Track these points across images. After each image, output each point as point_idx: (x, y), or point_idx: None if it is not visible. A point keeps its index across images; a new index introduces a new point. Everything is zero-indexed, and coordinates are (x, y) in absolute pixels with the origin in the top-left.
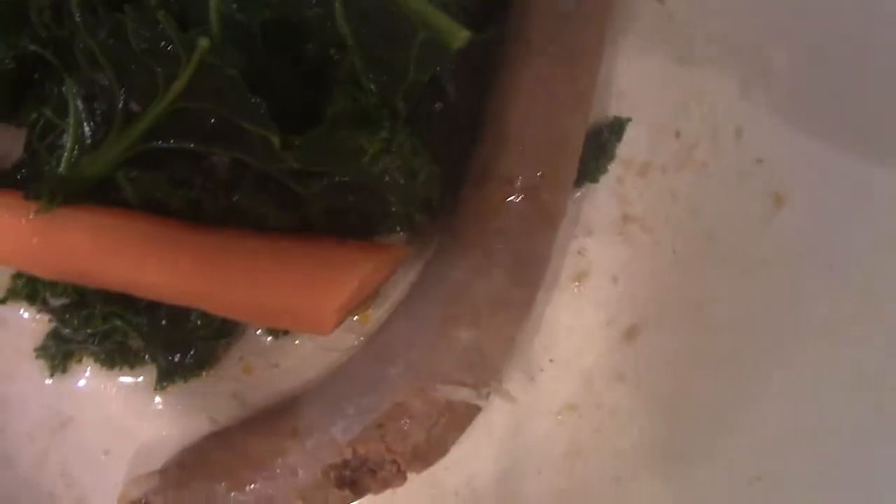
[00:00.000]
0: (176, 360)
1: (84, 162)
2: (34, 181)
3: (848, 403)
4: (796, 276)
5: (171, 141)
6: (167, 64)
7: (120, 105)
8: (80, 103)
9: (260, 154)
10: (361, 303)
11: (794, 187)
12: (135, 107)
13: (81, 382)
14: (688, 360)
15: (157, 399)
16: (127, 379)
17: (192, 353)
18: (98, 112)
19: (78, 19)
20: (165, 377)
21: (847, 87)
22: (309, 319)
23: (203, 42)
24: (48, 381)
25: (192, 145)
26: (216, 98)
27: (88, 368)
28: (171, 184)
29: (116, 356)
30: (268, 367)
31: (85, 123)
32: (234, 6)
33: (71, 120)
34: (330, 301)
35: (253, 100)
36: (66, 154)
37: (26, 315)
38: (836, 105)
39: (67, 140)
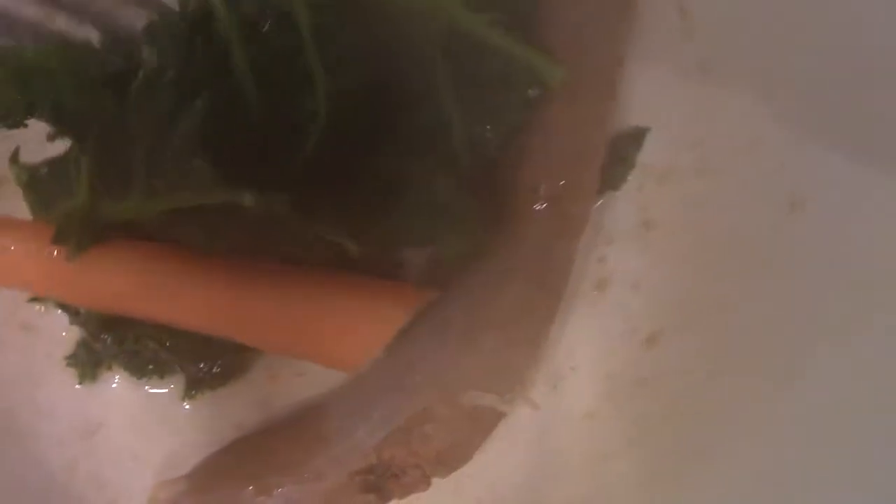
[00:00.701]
0: (203, 370)
1: (106, 206)
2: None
3: (871, 408)
4: (816, 280)
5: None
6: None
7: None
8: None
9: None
10: None
11: (812, 192)
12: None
13: (111, 389)
14: (709, 365)
15: (186, 406)
16: (158, 388)
17: (219, 363)
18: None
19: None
20: (193, 386)
21: (866, 94)
22: (340, 362)
23: (248, 200)
24: (77, 387)
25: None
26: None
27: (117, 376)
28: (206, 234)
29: (145, 367)
30: (294, 375)
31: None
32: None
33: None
34: (365, 349)
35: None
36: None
37: (57, 323)
38: (855, 111)
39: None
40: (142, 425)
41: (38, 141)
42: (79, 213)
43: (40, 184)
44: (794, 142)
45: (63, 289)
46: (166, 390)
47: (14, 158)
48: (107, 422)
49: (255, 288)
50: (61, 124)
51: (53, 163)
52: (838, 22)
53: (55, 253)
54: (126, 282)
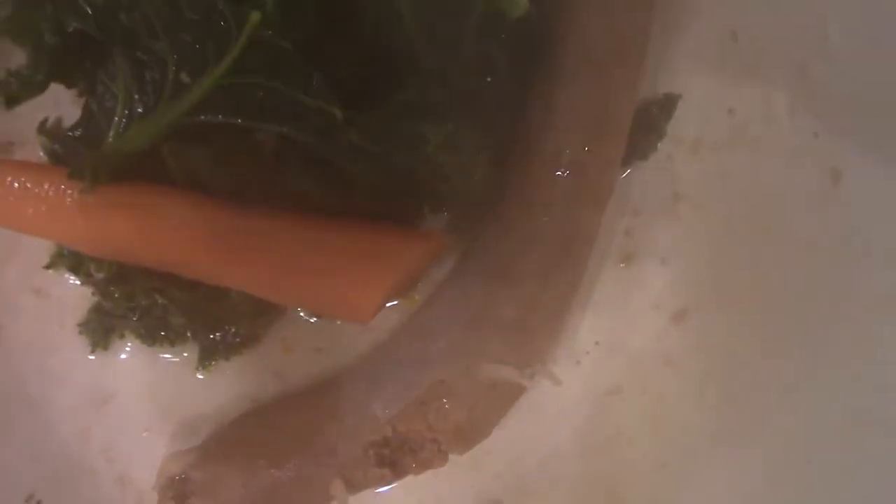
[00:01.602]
0: (217, 338)
1: (132, 131)
2: (88, 144)
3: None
4: (851, 254)
5: (220, 115)
6: (219, 36)
7: (171, 76)
8: (129, 70)
9: (315, 129)
10: (404, 289)
11: (850, 163)
12: (185, 78)
13: (124, 358)
14: (737, 343)
15: (199, 376)
16: (169, 356)
17: (232, 331)
18: (149, 81)
19: None
20: (208, 356)
21: None
22: (349, 308)
23: (255, 16)
24: (91, 357)
25: (239, 120)
26: (269, 72)
27: (130, 345)
28: (215, 160)
29: (157, 333)
30: (310, 349)
31: (135, 92)
32: None
33: (120, 86)
34: (372, 291)
35: (310, 73)
36: (115, 120)
37: (70, 290)
38: (893, 79)
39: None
40: (154, 395)
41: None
42: (101, 149)
43: (65, 147)
44: (831, 109)
45: (76, 230)
46: (179, 359)
47: (41, 129)
48: (119, 391)
49: (263, 232)
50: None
51: (75, 126)
52: None
53: (70, 192)
54: (137, 226)
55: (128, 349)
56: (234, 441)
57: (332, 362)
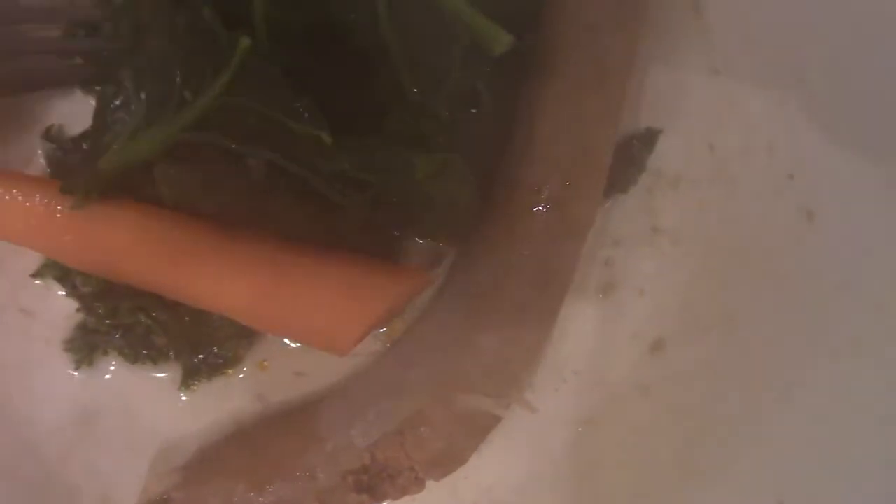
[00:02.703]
0: (199, 359)
1: (134, 142)
2: (91, 154)
3: (875, 425)
4: (825, 292)
5: (214, 137)
6: (215, 59)
7: (177, 91)
8: (140, 81)
9: (305, 155)
10: (384, 322)
11: (825, 203)
12: (188, 96)
13: (108, 377)
14: (713, 375)
15: (183, 397)
16: (153, 376)
17: (215, 351)
18: (157, 94)
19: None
20: (190, 376)
21: (881, 104)
22: (329, 341)
23: (244, 41)
24: (75, 374)
25: (233, 145)
26: (260, 96)
27: (114, 364)
28: (205, 183)
29: (140, 351)
30: (292, 373)
31: (144, 104)
32: (278, 7)
33: (133, 95)
34: (353, 326)
35: (298, 100)
36: (122, 129)
37: (55, 308)
38: (870, 121)
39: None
40: (138, 416)
41: None
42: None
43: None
44: (808, 148)
45: (64, 244)
46: (162, 380)
47: (47, 135)
48: (103, 411)
49: (247, 258)
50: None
51: (82, 136)
52: (853, 28)
53: (60, 207)
54: (125, 245)
55: (112, 369)
56: (216, 463)
57: (314, 386)
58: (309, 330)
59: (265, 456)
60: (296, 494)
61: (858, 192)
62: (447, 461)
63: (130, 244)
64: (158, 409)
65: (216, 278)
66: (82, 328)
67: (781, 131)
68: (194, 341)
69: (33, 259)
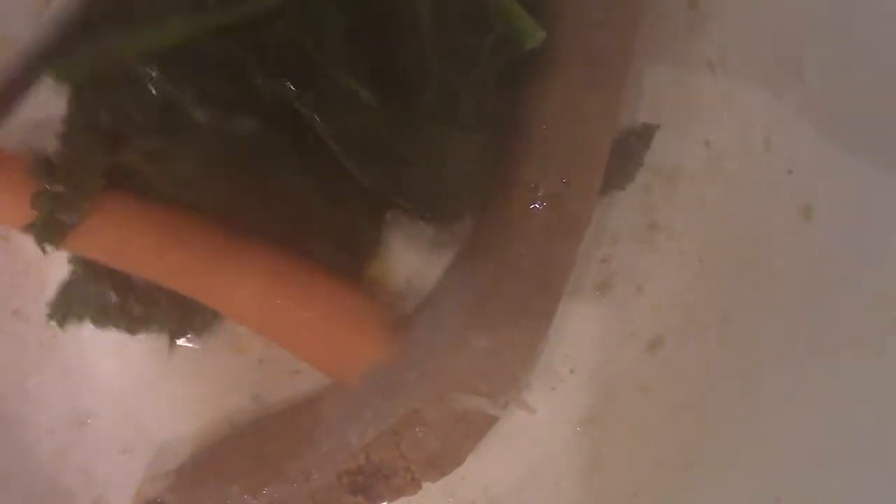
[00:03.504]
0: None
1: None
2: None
3: (875, 422)
4: (824, 288)
5: (246, 50)
6: None
7: None
8: None
9: (339, 109)
10: None
11: (823, 199)
12: None
13: (103, 378)
14: (712, 372)
15: (178, 395)
16: (148, 375)
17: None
18: None
19: None
20: (176, 335)
21: (880, 98)
22: (321, 366)
23: None
24: (68, 376)
25: (260, 73)
26: (310, 32)
27: (111, 362)
28: (199, 98)
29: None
30: (289, 371)
31: None
32: None
33: None
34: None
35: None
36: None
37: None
38: (869, 116)
39: None
40: (133, 417)
41: None
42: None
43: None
44: (806, 143)
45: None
46: (159, 376)
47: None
48: (98, 413)
49: (239, 264)
50: None
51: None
52: (851, 21)
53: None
54: (108, 233)
55: (107, 370)
56: (211, 465)
57: (310, 385)
58: (299, 347)
59: (260, 458)
60: (291, 496)
61: (856, 186)
62: (443, 462)
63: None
64: (154, 411)
65: (205, 277)
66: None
67: (778, 127)
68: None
69: (24, 261)
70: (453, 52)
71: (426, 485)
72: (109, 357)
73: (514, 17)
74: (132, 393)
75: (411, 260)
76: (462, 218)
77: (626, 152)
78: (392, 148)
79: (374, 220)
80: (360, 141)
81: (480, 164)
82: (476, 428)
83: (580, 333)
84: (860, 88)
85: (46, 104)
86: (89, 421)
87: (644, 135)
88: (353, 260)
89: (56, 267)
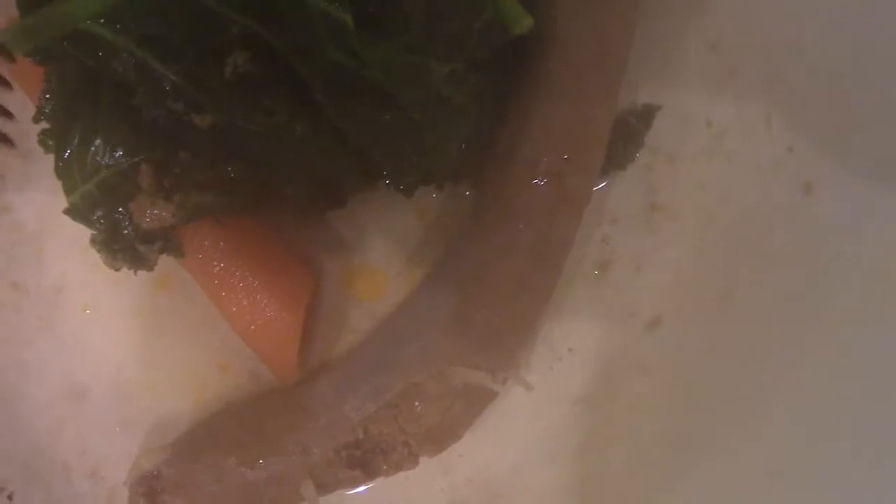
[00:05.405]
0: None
1: None
2: None
3: (874, 399)
4: (824, 266)
5: None
6: None
7: None
8: None
9: (317, 37)
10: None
11: (823, 177)
12: None
13: (100, 353)
14: (710, 352)
15: (175, 369)
16: (145, 350)
17: None
18: None
19: None
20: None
21: (879, 76)
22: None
23: None
24: (66, 350)
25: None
26: None
27: (109, 336)
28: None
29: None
30: None
31: None
32: None
33: None
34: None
35: None
36: None
37: (47, 282)
38: (869, 94)
39: None
40: (129, 391)
41: None
42: None
43: None
44: (807, 121)
45: None
46: (156, 349)
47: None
48: (94, 386)
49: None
50: None
51: None
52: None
53: None
54: None
55: (105, 343)
56: (207, 439)
57: (308, 361)
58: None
59: (257, 431)
60: (288, 469)
61: (857, 163)
62: (441, 436)
63: None
64: (150, 385)
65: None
66: None
67: (779, 106)
68: None
69: (23, 234)
70: (440, 32)
71: (423, 461)
72: (107, 331)
73: (503, 3)
74: (129, 367)
75: (409, 242)
76: (443, 189)
77: (627, 132)
78: (371, 81)
79: (359, 171)
80: (335, 72)
81: (467, 119)
82: (475, 403)
83: (579, 312)
84: (861, 65)
85: None
86: (86, 395)
87: (645, 115)
88: (322, 203)
89: (55, 241)
